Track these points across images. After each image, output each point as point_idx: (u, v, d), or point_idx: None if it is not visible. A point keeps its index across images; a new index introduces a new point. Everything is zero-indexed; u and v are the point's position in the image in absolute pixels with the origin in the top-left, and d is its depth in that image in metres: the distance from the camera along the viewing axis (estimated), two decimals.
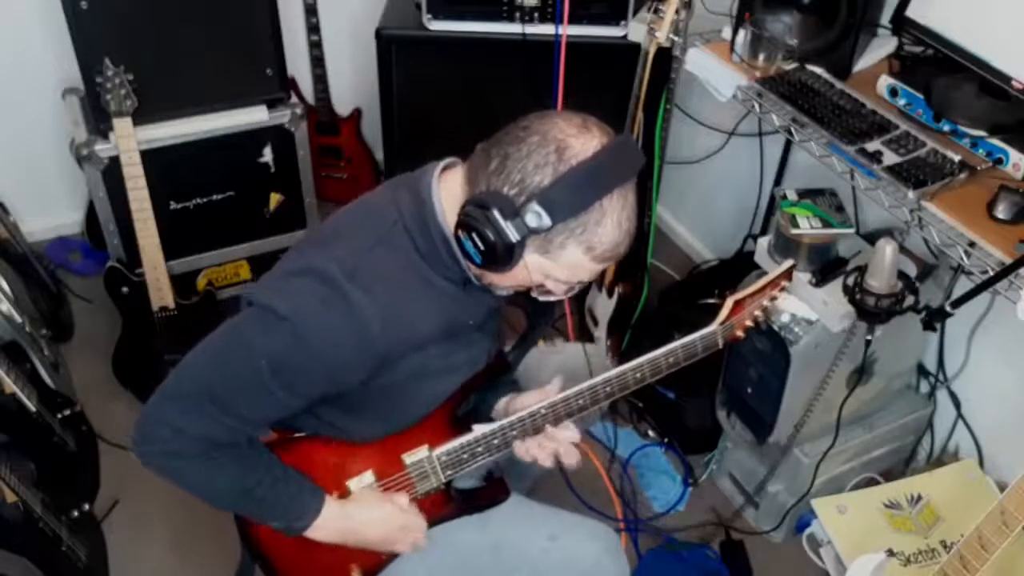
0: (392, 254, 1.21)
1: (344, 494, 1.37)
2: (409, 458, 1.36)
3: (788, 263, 1.48)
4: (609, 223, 1.13)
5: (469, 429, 1.37)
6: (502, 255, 1.13)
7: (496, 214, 1.10)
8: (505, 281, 1.23)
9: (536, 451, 1.38)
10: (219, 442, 1.23)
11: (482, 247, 1.13)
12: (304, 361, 1.17)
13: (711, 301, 2.20)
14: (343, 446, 1.37)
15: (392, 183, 1.28)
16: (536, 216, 1.09)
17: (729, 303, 1.42)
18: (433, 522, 1.45)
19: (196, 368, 1.22)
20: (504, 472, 1.59)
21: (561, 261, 1.16)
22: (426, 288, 1.23)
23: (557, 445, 1.38)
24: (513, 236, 1.11)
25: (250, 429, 1.26)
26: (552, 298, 1.26)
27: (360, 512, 1.35)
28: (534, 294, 1.26)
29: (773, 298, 1.47)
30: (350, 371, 1.21)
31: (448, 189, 1.21)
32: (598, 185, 1.11)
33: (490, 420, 1.39)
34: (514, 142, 1.12)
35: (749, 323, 1.46)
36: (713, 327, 1.42)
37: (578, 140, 1.11)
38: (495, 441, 1.37)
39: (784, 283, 1.48)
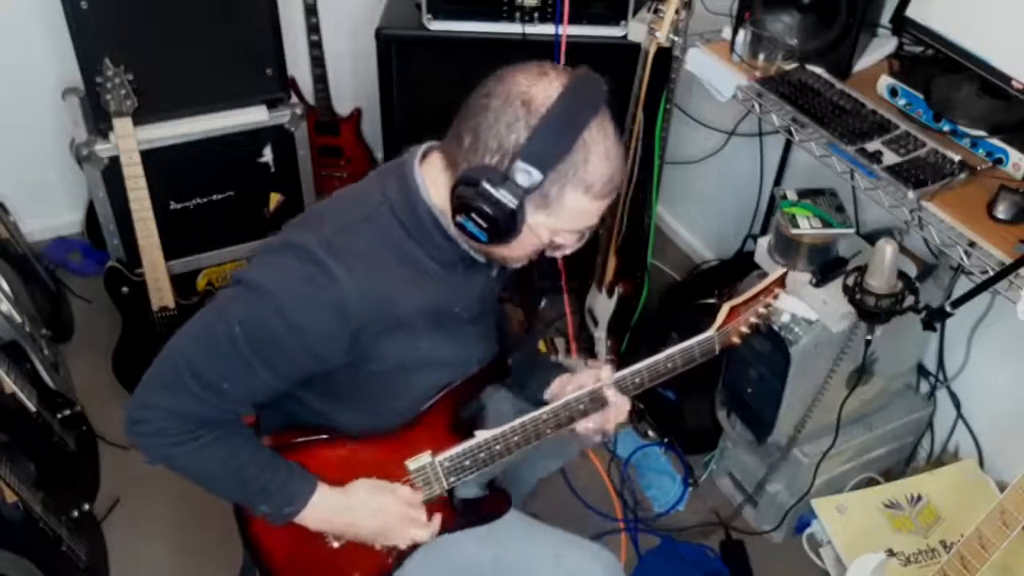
0: (375, 233, 1.20)
1: None
2: (412, 464, 1.36)
3: (780, 270, 1.48)
4: (596, 157, 1.11)
5: (471, 435, 1.37)
6: (506, 225, 1.12)
7: (487, 186, 1.10)
8: (516, 251, 1.22)
9: (595, 426, 1.39)
10: (204, 420, 1.22)
11: (484, 224, 1.12)
12: (281, 333, 1.16)
13: (711, 301, 2.21)
14: (345, 451, 1.36)
15: (378, 170, 1.28)
16: (526, 174, 1.09)
17: (725, 309, 1.42)
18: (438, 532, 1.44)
19: (177, 346, 1.21)
20: (506, 481, 1.59)
21: (564, 211, 1.14)
22: (410, 269, 1.22)
23: (616, 412, 1.38)
24: (511, 202, 1.10)
25: (233, 407, 1.24)
26: (567, 251, 1.24)
27: (355, 502, 1.34)
28: (548, 253, 1.25)
29: (768, 305, 1.47)
30: (328, 346, 1.19)
31: (431, 172, 1.21)
32: (573, 125, 1.10)
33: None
34: (480, 111, 1.12)
35: (745, 329, 1.46)
36: (710, 332, 1.42)
37: (539, 88, 1.10)
38: (497, 447, 1.37)
39: (777, 290, 1.47)
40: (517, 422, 1.36)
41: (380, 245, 1.20)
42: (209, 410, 1.21)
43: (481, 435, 1.36)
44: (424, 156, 1.24)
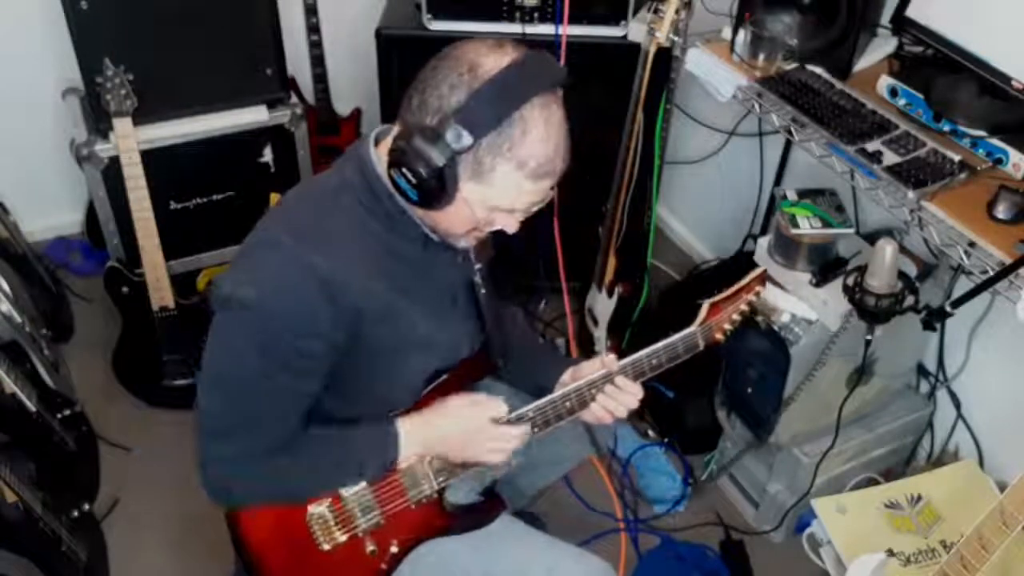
0: (341, 217, 1.22)
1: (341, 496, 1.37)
2: (401, 462, 1.36)
3: (759, 269, 1.51)
4: (534, 135, 1.11)
5: None
6: (433, 185, 1.12)
7: (418, 141, 1.10)
8: (455, 225, 1.22)
9: (608, 409, 1.41)
10: (270, 449, 1.25)
11: (413, 180, 1.12)
12: (289, 337, 1.17)
13: None
14: None
15: (338, 160, 1.29)
16: (456, 135, 1.08)
17: (706, 306, 1.45)
18: (429, 535, 1.44)
19: (207, 401, 1.24)
20: (502, 488, 1.58)
21: (497, 185, 1.14)
22: (377, 249, 1.23)
23: (629, 398, 1.41)
24: (438, 160, 1.09)
25: (287, 424, 1.26)
26: (508, 231, 1.24)
27: (440, 421, 1.35)
28: (485, 229, 1.24)
29: (750, 303, 1.49)
30: (334, 328, 1.19)
31: (386, 149, 1.21)
32: (514, 96, 1.10)
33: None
34: (429, 73, 1.13)
35: (728, 326, 1.48)
36: (692, 328, 1.45)
37: (490, 58, 1.11)
38: None
39: (758, 287, 1.49)
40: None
41: (347, 229, 1.21)
42: (268, 439, 1.24)
43: None
44: (380, 137, 1.25)
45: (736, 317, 1.49)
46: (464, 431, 1.35)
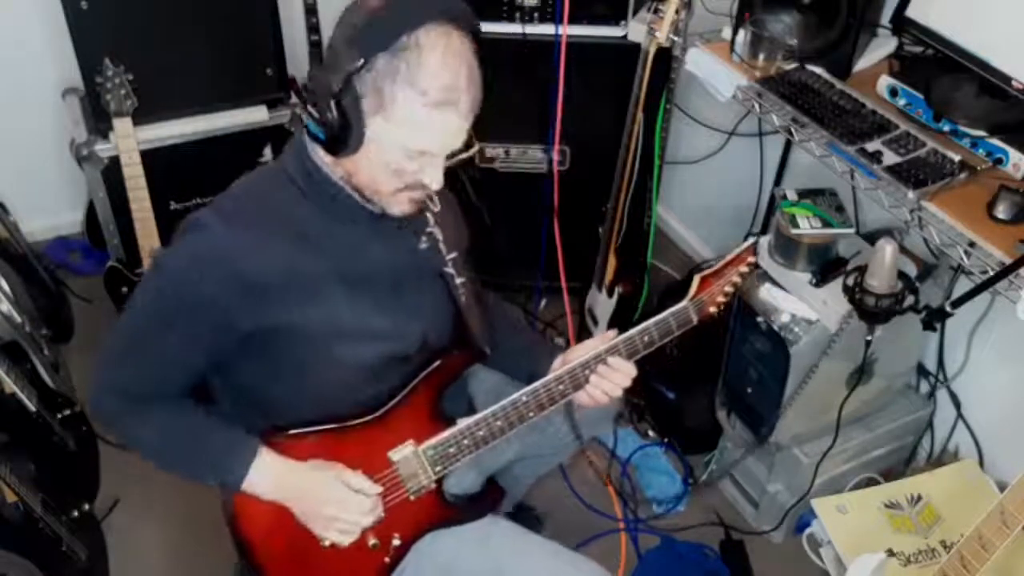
0: (272, 200, 1.25)
1: None
2: (395, 455, 1.36)
3: (748, 242, 1.52)
4: (431, 60, 1.12)
5: (454, 424, 1.38)
6: (336, 118, 1.13)
7: (317, 72, 1.15)
8: (377, 179, 1.21)
9: (603, 389, 1.41)
10: (149, 396, 1.30)
11: (317, 115, 1.15)
12: (180, 300, 1.22)
13: None
14: (329, 446, 1.35)
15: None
16: (349, 56, 1.11)
17: (697, 280, 1.46)
18: (431, 527, 1.44)
19: (114, 330, 1.31)
20: (499, 477, 1.59)
21: (400, 117, 1.14)
22: (310, 232, 1.25)
23: (621, 376, 1.41)
24: (335, 84, 1.12)
25: (167, 382, 1.31)
26: (435, 185, 1.22)
27: (301, 470, 1.33)
28: (410, 181, 1.22)
29: (741, 274, 1.50)
30: (229, 311, 1.22)
31: None
32: (404, 19, 1.12)
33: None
34: (337, 25, 1.18)
35: (721, 299, 1.49)
36: (684, 303, 1.46)
37: None
38: (480, 432, 1.37)
39: (749, 259, 1.51)
40: (498, 406, 1.37)
41: (276, 210, 1.25)
42: (149, 385, 1.29)
43: (463, 422, 1.37)
44: None
45: (728, 289, 1.49)
46: (320, 501, 1.33)
